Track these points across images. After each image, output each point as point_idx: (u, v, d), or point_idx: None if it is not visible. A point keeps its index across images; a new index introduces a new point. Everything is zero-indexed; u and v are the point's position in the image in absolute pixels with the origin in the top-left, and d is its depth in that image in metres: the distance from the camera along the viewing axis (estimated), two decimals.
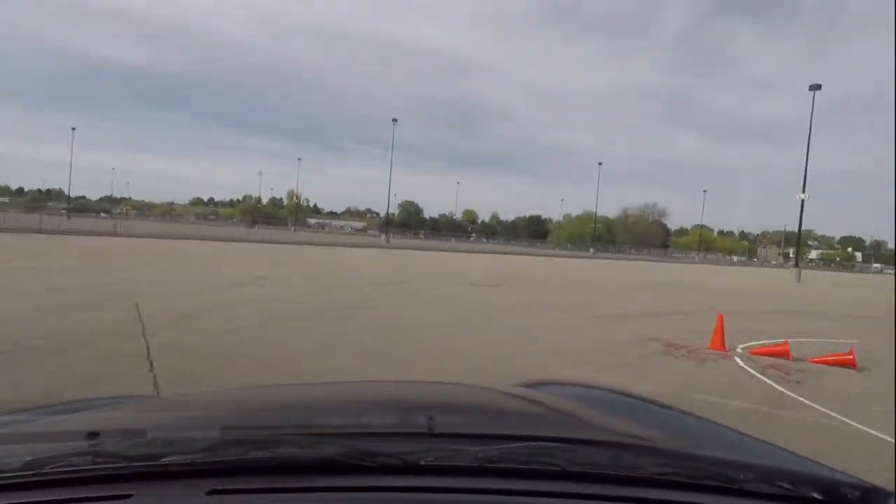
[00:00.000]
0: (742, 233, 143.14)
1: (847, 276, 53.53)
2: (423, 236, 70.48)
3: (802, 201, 28.93)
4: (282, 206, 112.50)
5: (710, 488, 0.84)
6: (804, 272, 27.80)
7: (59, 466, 0.77)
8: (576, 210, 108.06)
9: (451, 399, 1.52)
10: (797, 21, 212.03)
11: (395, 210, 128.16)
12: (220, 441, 0.84)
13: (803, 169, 28.50)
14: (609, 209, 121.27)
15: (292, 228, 71.10)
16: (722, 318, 7.92)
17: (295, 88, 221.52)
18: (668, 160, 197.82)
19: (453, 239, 65.11)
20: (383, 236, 53.61)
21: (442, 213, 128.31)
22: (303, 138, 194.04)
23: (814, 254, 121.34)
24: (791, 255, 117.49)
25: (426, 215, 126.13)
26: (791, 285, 25.50)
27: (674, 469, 0.85)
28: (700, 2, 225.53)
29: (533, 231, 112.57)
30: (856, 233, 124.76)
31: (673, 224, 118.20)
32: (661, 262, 58.38)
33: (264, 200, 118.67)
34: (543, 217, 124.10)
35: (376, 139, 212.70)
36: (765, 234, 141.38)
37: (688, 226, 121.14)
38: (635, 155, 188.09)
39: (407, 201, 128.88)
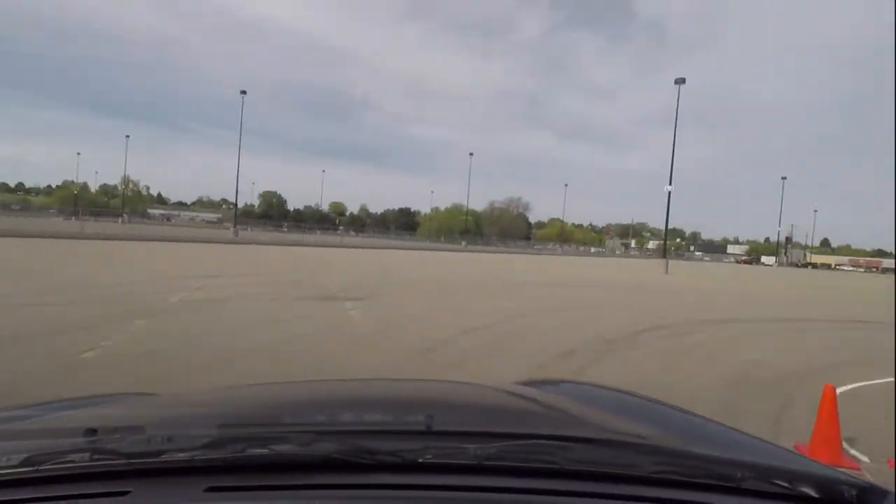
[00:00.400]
0: (591, 225, 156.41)
1: (684, 263, 59.06)
2: (285, 229, 64.19)
3: (669, 193, 30.07)
4: (115, 195, 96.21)
5: (707, 486, 0.84)
6: (652, 261, 29.40)
7: (57, 463, 0.78)
8: (445, 203, 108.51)
9: (449, 397, 1.51)
10: (629, 39, 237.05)
11: (255, 201, 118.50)
12: (218, 438, 0.83)
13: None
14: (476, 203, 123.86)
15: (121, 220, 59.66)
16: (833, 398, 3.55)
17: (140, 62, 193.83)
18: (528, 156, 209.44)
19: (319, 232, 60.09)
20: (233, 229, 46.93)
21: (308, 204, 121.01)
22: (147, 118, 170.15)
23: (651, 244, 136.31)
24: (632, 245, 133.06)
25: (291, 207, 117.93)
26: (661, 277, 26.02)
27: (671, 467, 0.86)
28: (552, 13, 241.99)
29: (403, 224, 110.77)
30: (678, 226, 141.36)
31: (533, 217, 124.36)
32: (529, 254, 59.55)
33: (93, 187, 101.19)
34: (413, 210, 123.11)
35: (236, 124, 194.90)
36: (609, 226, 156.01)
37: (545, 219, 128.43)
38: (499, 151, 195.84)
39: (269, 192, 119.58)
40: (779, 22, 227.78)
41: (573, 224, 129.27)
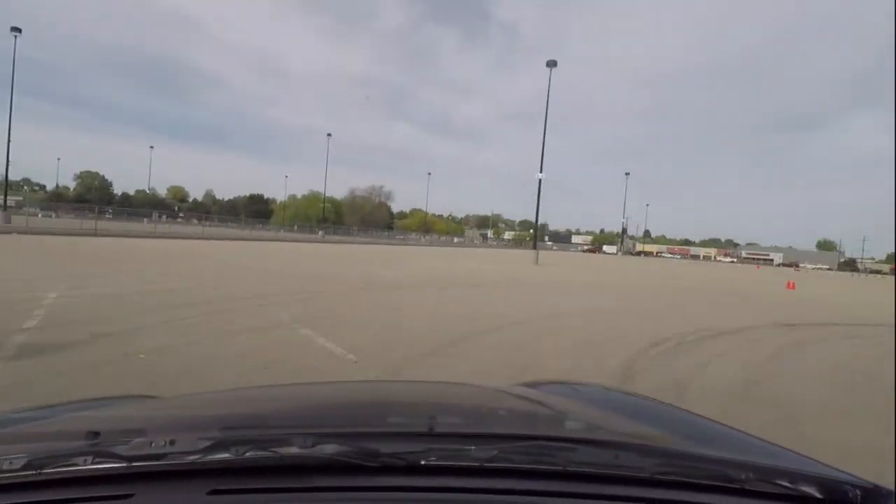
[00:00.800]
0: (451, 216, 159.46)
1: (542, 253, 61.00)
2: (109, 216, 53.35)
3: (540, 180, 29.18)
4: None
5: (710, 488, 0.84)
6: (519, 252, 28.66)
7: (59, 466, 0.77)
8: (302, 191, 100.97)
9: (451, 399, 1.51)
10: (487, 39, 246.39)
11: (71, 182, 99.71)
12: (221, 441, 0.83)
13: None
14: (337, 191, 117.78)
15: None
16: None
17: None
18: (390, 147, 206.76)
19: (145, 220, 50.75)
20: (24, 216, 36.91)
21: (140, 188, 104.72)
22: None
23: (507, 234, 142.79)
24: (490, 235, 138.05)
25: (117, 191, 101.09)
26: (534, 269, 24.95)
27: (674, 468, 0.86)
28: (413, 6, 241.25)
29: (255, 211, 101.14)
30: (529, 217, 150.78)
31: (396, 207, 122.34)
32: (392, 244, 56.84)
33: None
34: (267, 197, 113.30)
35: (43, 90, 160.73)
36: (468, 217, 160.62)
37: (408, 209, 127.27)
38: (361, 140, 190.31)
39: (87, 172, 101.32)
40: (619, 32, 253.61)
41: (435, 214, 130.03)
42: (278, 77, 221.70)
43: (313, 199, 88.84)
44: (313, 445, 0.83)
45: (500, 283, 15.75)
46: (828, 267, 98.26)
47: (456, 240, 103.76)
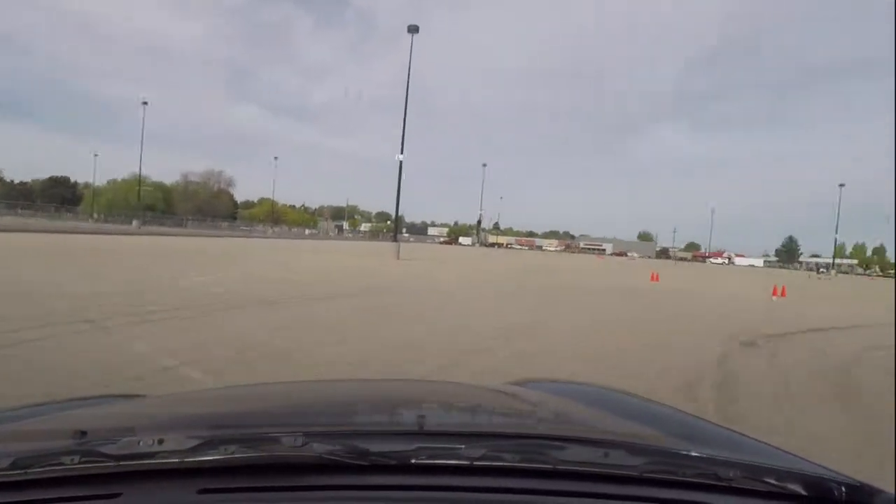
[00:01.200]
0: (304, 206, 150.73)
1: (405, 245, 58.56)
2: None
3: (401, 162, 26.04)
4: None
5: (699, 485, 0.85)
6: (377, 245, 25.76)
7: (46, 466, 0.76)
8: (124, 175, 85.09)
9: (441, 398, 1.51)
10: (343, 25, 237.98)
11: None
12: (210, 440, 0.82)
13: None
14: (170, 176, 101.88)
15: None
16: None
17: None
18: (233, 131, 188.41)
19: None
20: None
21: None
22: None
23: (364, 226, 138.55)
24: (346, 227, 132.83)
25: None
26: (397, 265, 22.00)
27: (663, 466, 0.86)
28: None
29: (57, 197, 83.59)
30: (386, 209, 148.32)
31: (240, 196, 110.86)
32: (235, 237, 49.65)
33: None
34: (74, 180, 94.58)
35: None
36: (322, 207, 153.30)
37: (256, 198, 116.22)
38: (197, 122, 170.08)
39: None
40: (476, 28, 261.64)
41: (287, 205, 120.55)
42: (96, 42, 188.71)
43: (134, 183, 75.32)
44: (303, 444, 0.82)
45: (366, 292, 12.37)
46: (648, 255, 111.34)
47: (308, 231, 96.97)
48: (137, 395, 1.59)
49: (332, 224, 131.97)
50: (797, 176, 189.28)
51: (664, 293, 16.90)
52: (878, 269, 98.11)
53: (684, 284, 22.97)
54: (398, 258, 24.11)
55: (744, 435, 1.23)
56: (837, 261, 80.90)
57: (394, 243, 25.11)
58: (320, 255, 24.91)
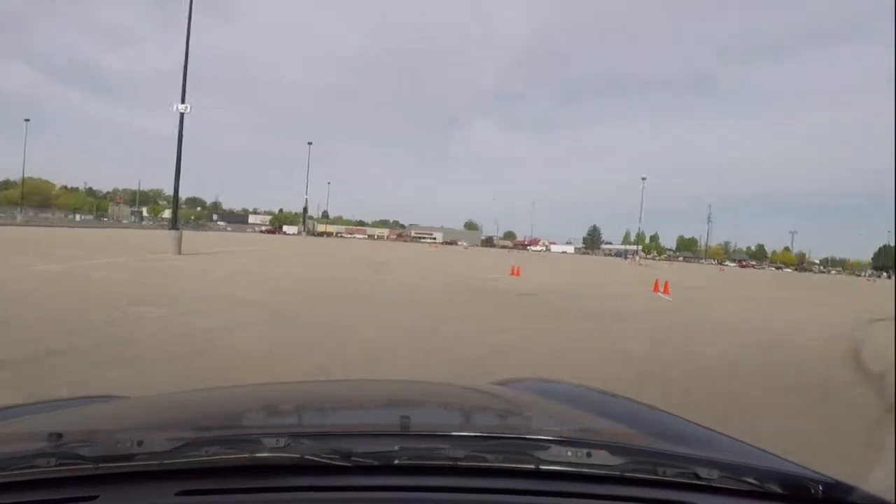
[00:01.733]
0: (90, 189, 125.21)
1: (211, 234, 49.89)
2: None
3: (182, 114, 19.26)
4: None
5: (680, 485, 0.86)
6: (157, 233, 19.45)
7: (20, 468, 0.75)
8: None
9: (425, 398, 1.50)
10: None
11: None
12: (190, 441, 0.81)
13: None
14: None
15: None
16: None
17: None
18: None
19: None
20: None
21: None
22: None
23: (167, 212, 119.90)
24: (145, 214, 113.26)
25: None
26: (171, 260, 16.27)
27: (645, 466, 0.87)
28: None
29: None
30: (199, 194, 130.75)
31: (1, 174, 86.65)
32: None
33: None
34: None
35: None
36: (116, 191, 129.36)
37: (16, 178, 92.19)
38: None
39: None
40: (304, 4, 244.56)
41: (63, 187, 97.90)
42: None
43: None
44: (285, 445, 0.80)
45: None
46: (475, 244, 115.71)
47: (80, 217, 79.45)
48: (117, 396, 1.57)
49: (127, 210, 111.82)
50: (601, 171, 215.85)
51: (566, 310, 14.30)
52: (657, 254, 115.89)
53: (558, 281, 19.87)
54: (179, 252, 18.13)
55: (723, 434, 1.24)
56: (624, 247, 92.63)
57: (175, 231, 18.53)
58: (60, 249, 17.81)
